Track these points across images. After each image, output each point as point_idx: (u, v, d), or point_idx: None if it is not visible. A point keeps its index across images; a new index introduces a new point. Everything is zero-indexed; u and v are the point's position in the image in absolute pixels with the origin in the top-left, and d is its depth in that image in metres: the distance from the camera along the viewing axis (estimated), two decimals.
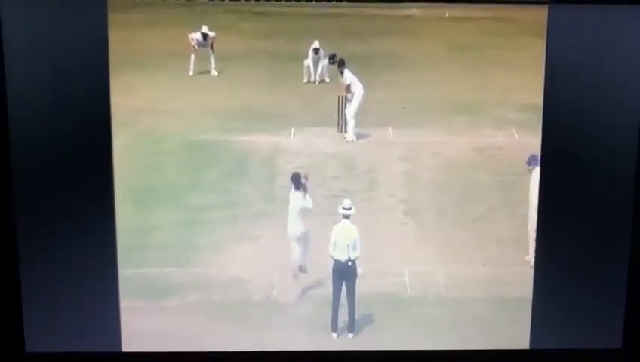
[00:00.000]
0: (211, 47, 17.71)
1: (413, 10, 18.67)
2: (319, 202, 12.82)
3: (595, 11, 9.59)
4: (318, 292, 11.83)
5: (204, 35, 17.62)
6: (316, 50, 17.19)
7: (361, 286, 11.39)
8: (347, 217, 11.39)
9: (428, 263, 12.37)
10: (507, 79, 16.50)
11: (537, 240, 10.28)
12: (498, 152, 14.99)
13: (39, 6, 9.39)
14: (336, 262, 11.29)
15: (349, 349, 11.04)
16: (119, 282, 10.08)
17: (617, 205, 10.02)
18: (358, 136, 15.43)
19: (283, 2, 10.27)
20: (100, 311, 10.08)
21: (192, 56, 17.51)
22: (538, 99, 9.89)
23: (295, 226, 11.98)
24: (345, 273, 11.28)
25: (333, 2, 10.01)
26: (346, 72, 15.61)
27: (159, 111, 15.70)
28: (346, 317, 11.36)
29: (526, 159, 12.60)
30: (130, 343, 10.26)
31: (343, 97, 15.58)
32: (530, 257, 11.73)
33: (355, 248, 11.29)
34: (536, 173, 11.84)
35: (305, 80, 17.30)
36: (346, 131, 15.47)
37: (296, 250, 12.00)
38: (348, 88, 15.52)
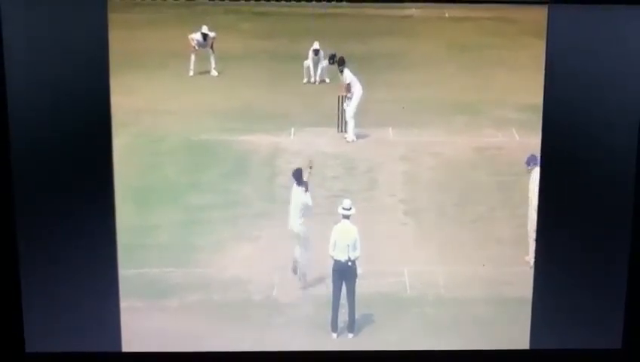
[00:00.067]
0: (211, 47, 17.71)
1: (413, 10, 18.68)
2: (319, 202, 12.83)
3: (595, 11, 9.59)
4: (318, 293, 11.83)
5: (204, 35, 17.62)
6: (316, 52, 17.20)
7: (361, 286, 11.39)
8: (347, 217, 11.39)
9: (428, 263, 12.37)
10: (507, 79, 16.51)
11: (537, 240, 10.28)
12: (498, 152, 15.00)
13: (39, 6, 9.39)
14: (336, 262, 11.29)
15: (349, 349, 11.04)
16: (119, 282, 10.08)
17: (617, 205, 10.02)
18: (358, 136, 15.43)
19: (283, 2, 10.27)
20: (100, 311, 10.08)
21: (192, 57, 17.51)
22: (538, 99, 9.90)
23: (295, 222, 11.99)
24: (345, 273, 11.28)
25: (333, 2, 10.01)
26: (346, 70, 15.61)
27: (159, 111, 15.71)
28: (346, 317, 11.36)
29: (525, 159, 12.61)
30: (130, 343, 10.26)
31: (342, 97, 15.58)
32: (530, 257, 11.74)
33: (355, 248, 11.28)
34: (535, 173, 11.86)
35: (305, 81, 17.31)
36: (345, 131, 15.47)
37: (296, 248, 12.00)
38: (348, 87, 15.52)
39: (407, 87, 16.65)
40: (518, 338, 10.44)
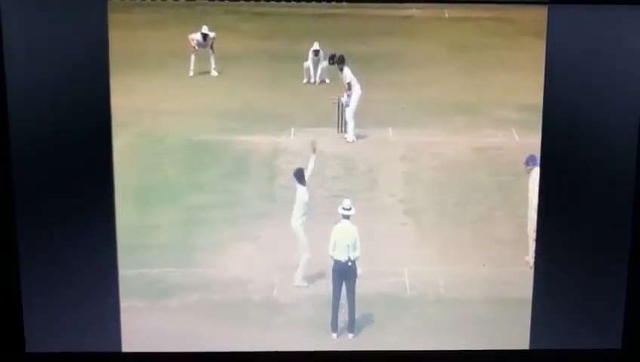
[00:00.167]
0: (211, 47, 17.71)
1: (413, 10, 18.68)
2: (319, 202, 12.83)
3: (595, 11, 9.59)
4: (318, 293, 11.83)
5: (204, 36, 17.62)
6: (316, 52, 17.19)
7: (361, 286, 11.39)
8: (347, 217, 11.39)
9: (428, 263, 12.37)
10: (507, 79, 16.50)
11: (537, 240, 10.28)
12: (498, 152, 15.00)
13: (39, 6, 9.39)
14: (336, 262, 11.29)
15: (349, 349, 11.04)
16: (119, 282, 10.08)
17: (617, 205, 10.02)
18: (358, 137, 15.43)
19: (283, 3, 10.28)
20: (100, 311, 10.08)
21: (192, 57, 17.51)
22: (538, 99, 9.90)
23: (297, 221, 12.01)
24: (345, 273, 11.28)
25: (333, 3, 10.01)
26: (346, 69, 15.61)
27: (159, 112, 15.71)
28: (346, 317, 11.36)
29: (524, 159, 12.62)
30: (130, 343, 10.27)
31: (341, 97, 15.58)
32: (530, 257, 11.74)
33: (355, 248, 11.28)
34: (535, 173, 11.87)
35: (304, 81, 17.31)
36: (345, 131, 15.47)
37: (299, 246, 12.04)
38: (348, 86, 15.52)
39: (407, 87, 16.64)
40: (518, 338, 10.44)
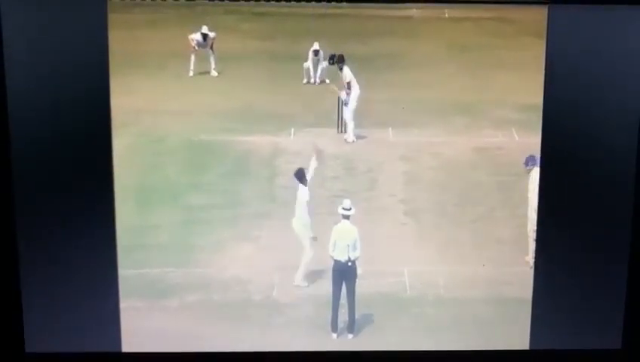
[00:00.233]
0: (211, 47, 17.70)
1: (413, 10, 18.66)
2: (319, 202, 12.83)
3: (595, 11, 9.60)
4: (318, 293, 11.82)
5: (204, 36, 17.62)
6: (316, 52, 17.19)
7: (361, 286, 11.39)
8: (347, 217, 11.39)
9: (428, 263, 12.37)
10: (507, 79, 16.49)
11: (537, 240, 10.28)
12: (498, 152, 14.99)
13: (39, 6, 9.40)
14: (336, 263, 11.29)
15: (349, 349, 11.03)
16: (119, 282, 10.08)
17: (617, 205, 10.03)
18: (358, 137, 15.43)
19: (283, 3, 10.28)
20: (99, 311, 10.09)
21: (192, 57, 17.49)
22: (538, 99, 9.90)
23: (298, 220, 12.03)
24: (345, 273, 11.27)
25: (333, 3, 10.01)
26: (346, 68, 15.61)
27: (159, 112, 15.70)
28: (346, 318, 11.35)
29: (524, 160, 12.63)
30: (130, 343, 10.27)
31: (340, 94, 15.57)
32: (530, 257, 11.74)
33: (355, 248, 11.28)
34: (534, 173, 11.87)
35: (304, 81, 17.30)
36: (345, 131, 15.46)
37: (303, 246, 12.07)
38: (348, 85, 15.52)
39: (407, 88, 16.63)
40: (518, 338, 10.44)
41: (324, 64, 17.12)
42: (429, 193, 13.93)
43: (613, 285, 10.19)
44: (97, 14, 9.46)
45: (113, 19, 9.57)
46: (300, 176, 12.12)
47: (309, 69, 17.26)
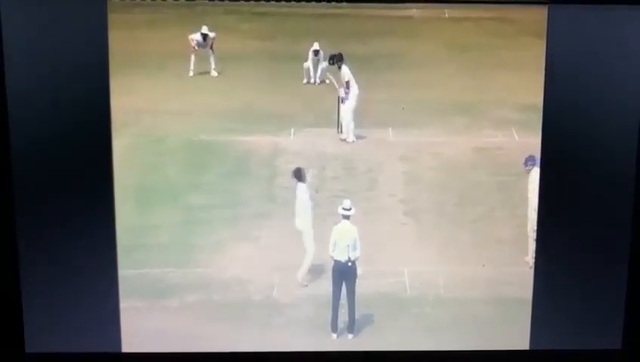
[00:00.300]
0: (211, 47, 17.70)
1: (413, 10, 18.66)
2: (319, 202, 12.83)
3: (595, 11, 9.60)
4: (318, 293, 11.82)
5: (204, 36, 17.62)
6: (316, 52, 17.18)
7: (361, 286, 11.39)
8: (347, 217, 11.39)
9: (428, 263, 12.37)
10: (507, 79, 16.49)
11: (537, 240, 10.28)
12: (498, 152, 14.99)
13: (39, 6, 9.40)
14: (336, 263, 11.29)
15: (349, 349, 11.04)
16: (119, 282, 10.08)
17: (617, 205, 10.03)
18: (358, 137, 15.42)
19: (283, 3, 10.28)
20: (99, 312, 10.09)
21: (192, 57, 17.49)
22: (538, 99, 9.90)
23: (300, 219, 12.03)
24: (345, 273, 11.28)
25: (333, 3, 10.01)
26: (344, 67, 15.61)
27: (159, 112, 15.70)
28: (346, 318, 11.35)
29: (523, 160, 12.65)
30: (130, 343, 10.27)
31: (338, 95, 15.58)
32: (530, 257, 11.74)
33: (355, 248, 11.29)
34: (534, 173, 11.88)
35: (304, 81, 17.29)
36: (341, 132, 15.45)
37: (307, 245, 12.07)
38: (347, 84, 15.52)
39: (407, 88, 16.63)
40: (518, 338, 10.44)
41: (324, 64, 17.12)
42: (429, 193, 13.93)
43: (613, 285, 10.19)
44: (97, 14, 9.46)
45: (113, 19, 9.57)
46: (299, 174, 12.13)
47: (309, 69, 17.26)
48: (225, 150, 14.87)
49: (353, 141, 15.38)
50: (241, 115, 15.77)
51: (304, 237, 12.07)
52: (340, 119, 15.50)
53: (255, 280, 12.10)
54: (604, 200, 10.03)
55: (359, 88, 15.49)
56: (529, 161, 12.38)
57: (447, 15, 18.90)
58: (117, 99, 9.75)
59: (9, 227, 9.73)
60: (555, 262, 10.18)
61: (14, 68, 9.44)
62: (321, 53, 17.15)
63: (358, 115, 15.49)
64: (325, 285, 11.64)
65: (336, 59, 15.78)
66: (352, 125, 15.41)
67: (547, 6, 9.65)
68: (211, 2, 11.90)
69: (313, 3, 10.26)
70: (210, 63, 17.64)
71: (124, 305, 10.22)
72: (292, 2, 10.19)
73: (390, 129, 15.69)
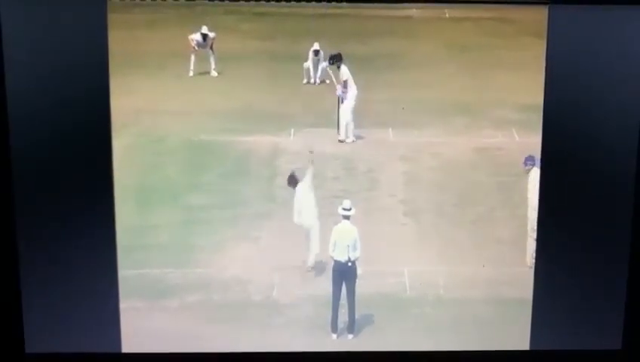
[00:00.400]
0: (211, 47, 17.70)
1: (413, 10, 18.66)
2: (319, 202, 12.82)
3: (595, 11, 9.60)
4: (318, 293, 11.82)
5: (204, 36, 17.62)
6: (316, 52, 17.18)
7: (360, 286, 11.39)
8: (347, 218, 11.39)
9: (428, 263, 12.37)
10: (507, 79, 16.48)
11: (537, 241, 10.28)
12: (498, 153, 14.99)
13: (39, 6, 9.40)
14: (336, 263, 11.29)
15: (349, 350, 11.03)
16: (119, 282, 10.08)
17: (617, 205, 10.02)
18: (358, 137, 15.42)
19: (283, 3, 10.27)
20: (99, 312, 10.09)
21: (192, 57, 17.49)
22: (538, 99, 9.89)
23: (302, 217, 12.05)
24: (345, 273, 11.28)
25: (333, 3, 10.01)
26: (343, 67, 15.60)
27: (159, 112, 15.69)
28: (346, 318, 11.35)
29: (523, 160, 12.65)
30: (130, 343, 10.27)
31: (337, 94, 15.58)
32: (530, 257, 11.73)
33: (355, 248, 11.29)
34: (533, 173, 11.88)
35: (304, 82, 17.29)
36: (339, 133, 15.44)
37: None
38: (345, 84, 15.51)
39: (407, 88, 16.63)
40: (518, 338, 10.43)
41: (324, 64, 17.11)
42: (429, 193, 13.93)
43: (613, 285, 10.19)
44: (97, 14, 9.46)
45: (113, 19, 9.56)
46: (293, 180, 12.22)
47: (309, 69, 17.26)
48: (225, 150, 14.87)
49: (353, 141, 15.38)
50: (241, 115, 15.77)
51: (311, 232, 12.07)
52: (339, 120, 15.50)
53: (255, 280, 12.10)
54: (604, 201, 10.03)
55: (359, 88, 15.49)
56: (528, 160, 12.39)
57: (447, 15, 18.90)
58: (117, 99, 9.74)
59: (9, 227, 9.72)
60: (555, 262, 10.18)
61: (14, 68, 9.44)
62: (321, 53, 17.15)
63: (358, 115, 15.48)
64: (325, 285, 11.64)
65: (335, 59, 15.78)
66: (351, 125, 15.41)
67: (547, 6, 9.65)
68: (211, 2, 11.88)
69: (313, 3, 10.26)
70: (210, 63, 17.64)
71: (124, 305, 10.22)
72: (292, 2, 10.18)
73: (390, 129, 15.69)
